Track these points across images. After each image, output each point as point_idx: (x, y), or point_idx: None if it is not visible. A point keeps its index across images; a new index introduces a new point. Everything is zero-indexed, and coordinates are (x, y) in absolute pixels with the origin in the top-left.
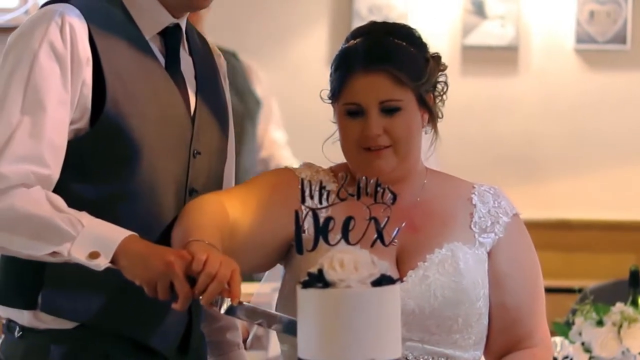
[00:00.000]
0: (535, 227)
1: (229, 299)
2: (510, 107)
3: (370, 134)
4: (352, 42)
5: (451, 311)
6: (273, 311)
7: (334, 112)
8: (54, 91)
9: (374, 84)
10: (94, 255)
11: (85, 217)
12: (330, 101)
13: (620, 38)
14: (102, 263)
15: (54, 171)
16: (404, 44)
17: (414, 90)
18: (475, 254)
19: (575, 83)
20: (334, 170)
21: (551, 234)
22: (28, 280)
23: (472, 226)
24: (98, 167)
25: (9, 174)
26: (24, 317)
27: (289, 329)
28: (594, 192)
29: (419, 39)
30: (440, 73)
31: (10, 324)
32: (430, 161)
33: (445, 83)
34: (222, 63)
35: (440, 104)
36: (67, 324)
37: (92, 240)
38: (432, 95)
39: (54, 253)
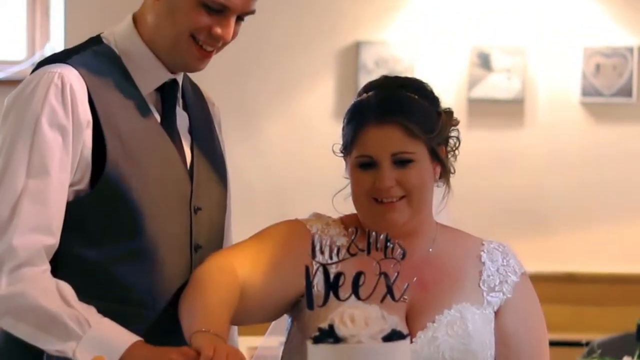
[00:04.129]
0: (543, 280)
1: None
2: (516, 160)
3: (382, 185)
4: (364, 95)
5: None
6: None
7: (346, 166)
8: (56, 156)
9: (386, 136)
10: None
11: (92, 315)
12: (342, 155)
13: (626, 91)
14: None
15: (58, 239)
16: (416, 97)
17: (426, 142)
18: (483, 314)
19: (582, 136)
20: (344, 222)
21: (558, 287)
22: None
23: (480, 284)
24: (99, 228)
25: (20, 248)
26: None
27: None
28: (601, 245)
29: (431, 92)
30: (452, 128)
31: None
32: (441, 215)
33: (458, 138)
34: (216, 112)
35: (452, 159)
36: None
37: (98, 343)
38: (444, 149)
39: (59, 351)
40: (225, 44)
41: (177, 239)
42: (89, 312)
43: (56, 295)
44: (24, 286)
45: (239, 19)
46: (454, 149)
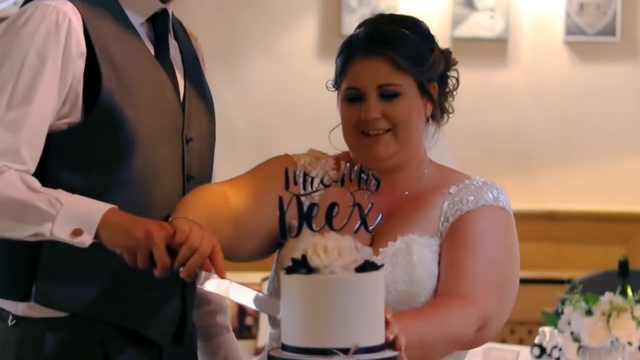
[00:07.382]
0: (525, 218)
1: (208, 273)
2: (499, 99)
3: (368, 117)
4: (357, 30)
5: (407, 305)
6: (251, 288)
7: (338, 100)
8: (40, 87)
9: (373, 68)
10: (77, 232)
11: (62, 194)
12: (333, 89)
13: (609, 30)
14: (86, 240)
15: (30, 166)
16: (407, 32)
17: (415, 76)
18: (432, 244)
19: (565, 75)
20: (338, 158)
21: (540, 225)
22: (21, 272)
23: (440, 215)
24: (90, 157)
25: None
26: (17, 307)
27: (266, 307)
28: (582, 183)
29: (426, 30)
30: (452, 68)
31: (2, 313)
32: (442, 150)
33: (457, 79)
34: (199, 46)
35: (450, 99)
36: (61, 313)
37: (74, 217)
38: (435, 86)
39: (36, 234)
40: None
41: (169, 169)
42: (58, 192)
43: (21, 185)
44: None
45: None
46: (452, 89)
